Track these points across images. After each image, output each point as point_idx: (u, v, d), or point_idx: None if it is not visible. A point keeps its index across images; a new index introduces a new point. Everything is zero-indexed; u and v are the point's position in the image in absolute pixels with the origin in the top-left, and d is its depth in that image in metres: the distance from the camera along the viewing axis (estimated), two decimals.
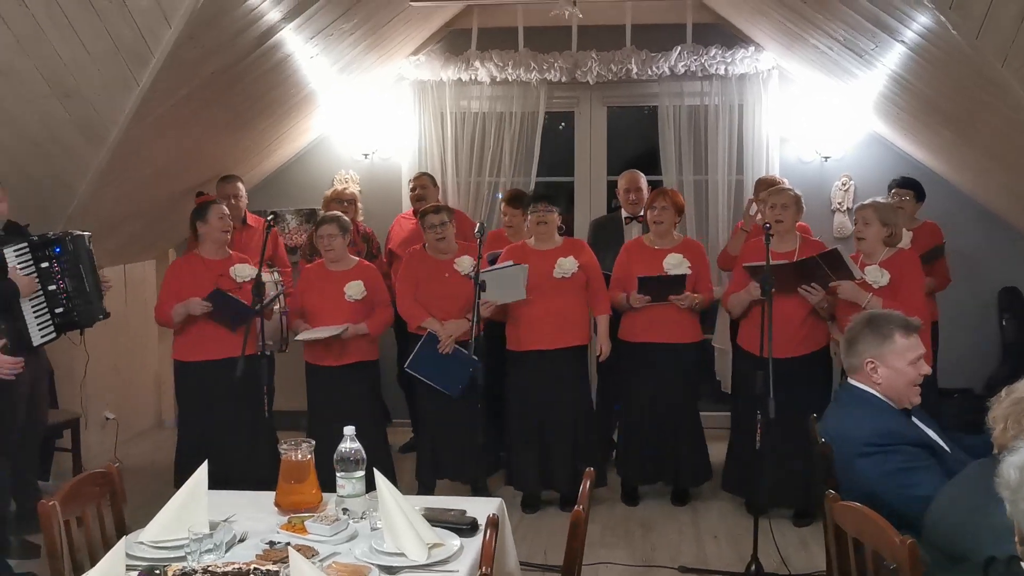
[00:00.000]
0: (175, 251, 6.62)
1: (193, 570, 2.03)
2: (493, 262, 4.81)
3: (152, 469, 5.58)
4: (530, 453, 4.83)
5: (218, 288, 4.53)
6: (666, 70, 6.12)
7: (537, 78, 6.22)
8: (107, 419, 5.92)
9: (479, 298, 4.36)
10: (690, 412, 4.95)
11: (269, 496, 2.77)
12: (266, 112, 5.61)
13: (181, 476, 4.76)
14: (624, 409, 5.08)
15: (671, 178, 6.27)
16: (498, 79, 6.27)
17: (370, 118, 6.50)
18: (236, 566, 2.05)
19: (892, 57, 4.59)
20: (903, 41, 4.26)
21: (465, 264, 4.76)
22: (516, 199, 5.45)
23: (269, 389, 4.66)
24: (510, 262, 4.67)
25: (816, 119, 6.24)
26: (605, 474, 5.06)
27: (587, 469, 2.64)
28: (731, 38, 6.20)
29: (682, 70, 6.13)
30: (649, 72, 6.13)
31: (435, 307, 4.78)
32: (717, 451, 5.05)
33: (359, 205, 5.97)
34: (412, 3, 5.48)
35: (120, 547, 2.02)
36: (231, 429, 4.64)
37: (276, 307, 4.82)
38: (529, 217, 4.85)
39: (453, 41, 6.43)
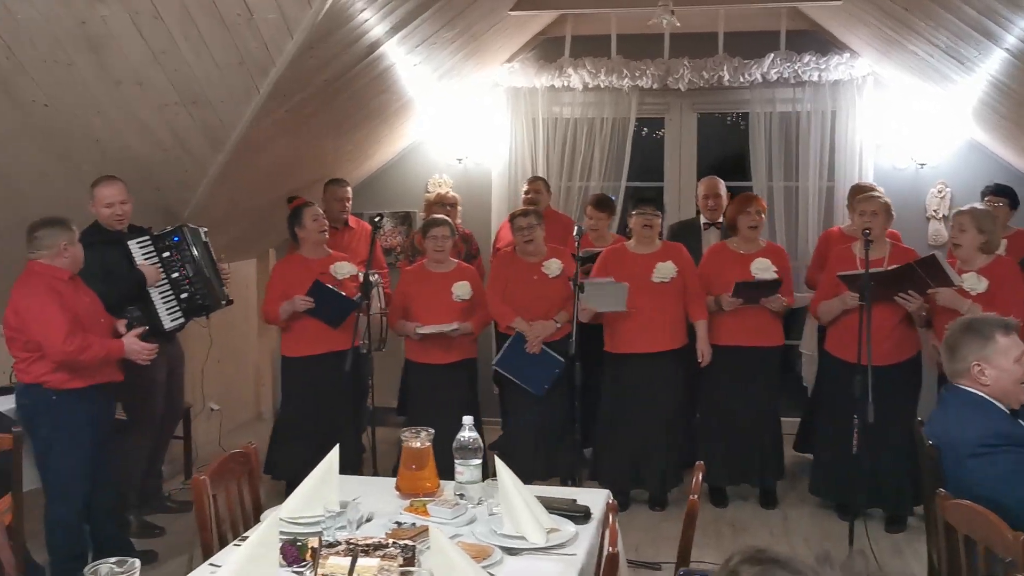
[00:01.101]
0: (275, 251, 6.90)
1: (337, 541, 2.19)
2: (588, 260, 4.91)
3: None
4: (622, 452, 4.92)
5: (318, 280, 4.75)
6: (758, 77, 6.16)
7: (629, 85, 6.32)
8: (212, 410, 6.22)
9: (578, 299, 4.46)
10: (772, 415, 5.01)
11: (388, 482, 2.95)
12: (368, 119, 5.84)
13: (272, 464, 5.02)
14: (707, 410, 5.14)
15: (760, 184, 6.31)
16: (590, 86, 6.40)
17: (464, 124, 6.69)
18: (375, 539, 2.21)
19: (994, 63, 4.57)
20: (1007, 48, 4.24)
21: (553, 267, 4.88)
22: (602, 203, 5.56)
23: (368, 385, 4.89)
24: (611, 278, 4.73)
25: (912, 125, 6.21)
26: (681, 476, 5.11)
27: (697, 463, 2.74)
28: (825, 44, 6.21)
29: (774, 77, 6.16)
30: (741, 79, 6.18)
31: (523, 308, 4.91)
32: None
33: (459, 208, 6.15)
34: (511, 12, 5.64)
35: (275, 518, 2.19)
36: (328, 421, 4.85)
37: (377, 306, 5.03)
38: (634, 219, 4.93)
39: (546, 49, 6.58)
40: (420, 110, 6.35)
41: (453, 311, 4.82)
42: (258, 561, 2.03)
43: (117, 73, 4.13)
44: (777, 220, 6.30)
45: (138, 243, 4.40)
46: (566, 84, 6.43)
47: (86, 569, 1.84)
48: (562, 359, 4.66)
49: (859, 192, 5.20)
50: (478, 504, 2.74)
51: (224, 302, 4.71)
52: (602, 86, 6.38)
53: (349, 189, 5.86)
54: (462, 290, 4.83)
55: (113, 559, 1.85)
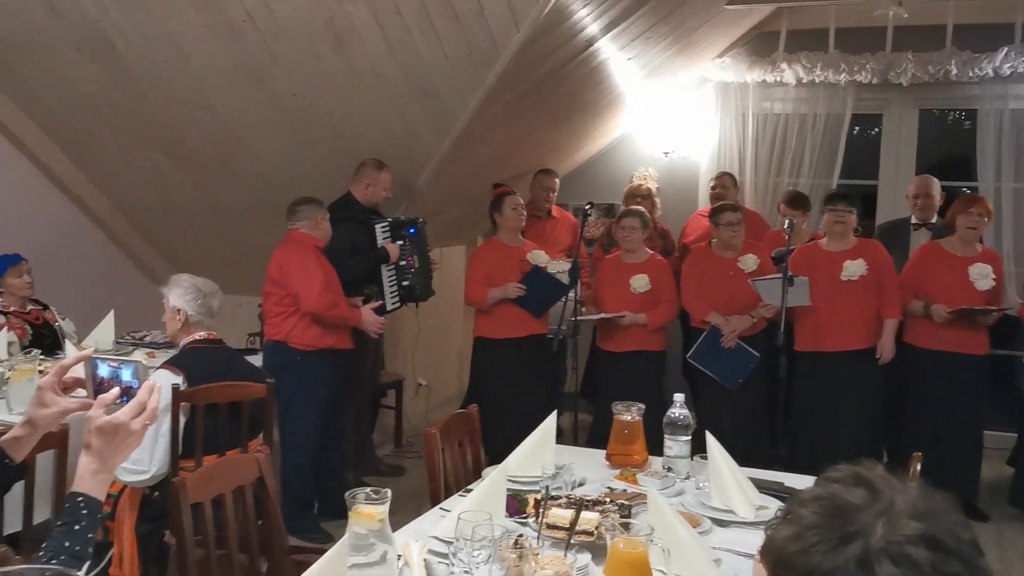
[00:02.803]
0: (483, 239, 7.22)
1: (558, 495, 2.35)
2: (779, 260, 4.87)
3: None
4: (814, 451, 4.84)
5: (536, 266, 4.97)
6: (989, 71, 5.84)
7: (846, 80, 6.16)
8: (420, 385, 6.60)
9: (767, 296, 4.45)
10: (971, 427, 4.79)
11: (598, 453, 3.09)
12: (579, 112, 6.01)
13: None
14: (905, 413, 4.96)
15: (987, 184, 5.98)
16: (804, 81, 6.28)
17: (671, 118, 6.74)
18: (594, 497, 2.35)
19: None
20: None
21: (750, 262, 4.86)
22: (796, 201, 5.47)
23: (566, 369, 5.06)
24: (779, 275, 4.67)
25: None
26: None
27: (915, 454, 2.71)
28: None
29: (1008, 71, 5.82)
30: (970, 74, 5.88)
31: (718, 303, 4.90)
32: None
33: (657, 201, 6.21)
34: (727, 7, 5.64)
35: (502, 470, 2.38)
36: (522, 403, 5.05)
37: (571, 294, 5.19)
38: (826, 216, 4.85)
39: (759, 43, 6.51)
40: (629, 104, 6.46)
41: (630, 301, 4.92)
42: (487, 506, 2.21)
43: (357, 65, 4.51)
44: (1004, 223, 5.95)
45: (381, 227, 4.81)
46: (778, 79, 6.34)
47: (347, 494, 2.09)
48: (757, 354, 4.65)
49: None
50: (686, 479, 2.82)
51: (432, 293, 5.04)
52: (817, 81, 6.25)
53: (557, 180, 6.06)
54: (638, 282, 4.93)
55: (367, 488, 2.08)
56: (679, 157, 6.79)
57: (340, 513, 4.40)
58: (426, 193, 5.48)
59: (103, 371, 1.59)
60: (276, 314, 4.43)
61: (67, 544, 1.38)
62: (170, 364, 3.28)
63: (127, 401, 1.51)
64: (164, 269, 6.49)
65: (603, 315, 4.98)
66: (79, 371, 1.60)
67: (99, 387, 1.58)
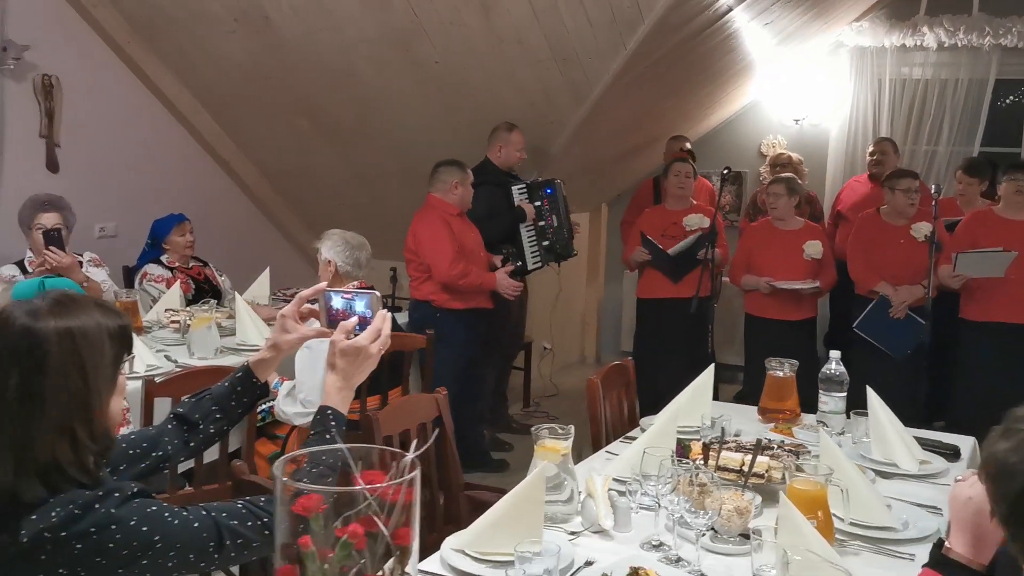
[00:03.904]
0: (608, 207, 7.30)
1: (723, 440, 2.44)
2: (950, 228, 4.77)
3: (575, 394, 6.23)
4: (979, 421, 4.74)
5: (642, 233, 5.06)
6: None
7: (990, 43, 5.97)
8: (545, 349, 6.75)
9: (933, 259, 4.36)
10: None
11: (749, 409, 3.15)
12: (711, 79, 6.00)
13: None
14: None
15: None
16: (946, 45, 6.11)
17: (802, 84, 6.65)
18: (753, 441, 2.43)
19: None
20: None
21: (922, 230, 4.75)
22: (974, 168, 5.30)
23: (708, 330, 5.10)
24: (1000, 248, 4.54)
25: None
26: None
27: None
28: None
29: None
30: None
31: (887, 272, 4.81)
32: None
33: (804, 169, 6.15)
34: None
35: (672, 414, 2.48)
36: (672, 362, 5.12)
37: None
38: (1005, 185, 4.70)
39: (899, 6, 6.35)
40: (759, 71, 6.41)
41: (802, 268, 4.89)
42: (655, 449, 2.32)
43: (501, 32, 4.63)
44: None
45: (519, 189, 4.95)
46: (919, 43, 6.18)
47: (532, 429, 2.23)
48: (923, 322, 4.57)
49: None
50: (840, 434, 2.86)
51: (574, 252, 5.14)
52: (959, 45, 6.07)
53: (688, 145, 6.08)
54: (813, 249, 4.87)
55: (551, 424, 2.21)
56: (809, 124, 6.70)
57: (475, 466, 4.62)
58: (559, 160, 5.58)
59: (336, 303, 1.75)
60: (415, 278, 4.67)
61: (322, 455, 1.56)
62: None
63: (361, 330, 1.68)
64: (303, 234, 6.80)
65: (791, 284, 4.91)
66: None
67: (332, 317, 1.75)
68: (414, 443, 1.13)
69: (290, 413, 3.48)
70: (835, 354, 2.93)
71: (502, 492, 2.20)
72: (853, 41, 6.40)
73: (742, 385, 5.69)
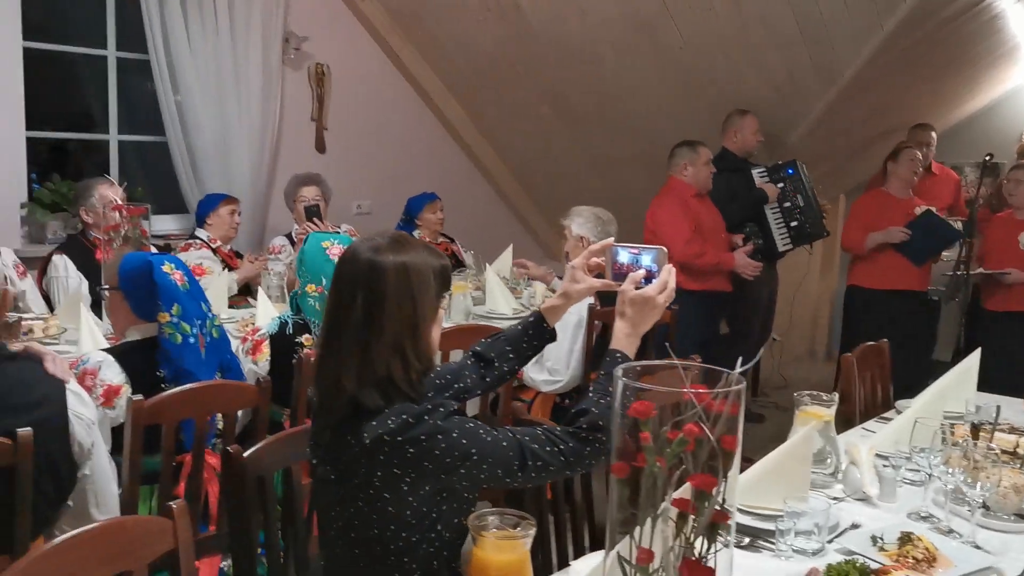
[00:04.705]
0: (846, 196, 7.05)
1: (995, 423, 2.37)
2: None
3: (805, 387, 6.10)
4: None
5: (928, 209, 4.82)
6: None
7: None
8: (774, 340, 6.63)
9: None
10: None
11: (1015, 401, 3.01)
12: (969, 63, 5.67)
13: None
14: None
15: None
16: None
17: None
18: None
19: None
20: None
21: None
22: None
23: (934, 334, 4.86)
24: None
25: None
26: None
27: None
28: None
29: None
30: None
31: None
32: None
33: None
34: None
35: (937, 392, 2.43)
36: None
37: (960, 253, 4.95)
38: None
39: None
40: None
41: (1015, 258, 4.60)
42: (927, 420, 2.28)
43: (747, 15, 4.61)
44: None
45: (758, 172, 4.93)
46: None
47: (796, 395, 2.26)
48: None
49: None
50: None
51: (825, 233, 5.04)
52: None
53: (934, 135, 5.77)
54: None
55: (816, 391, 2.24)
56: None
57: None
58: (795, 149, 5.46)
59: (623, 257, 1.87)
60: None
61: (610, 389, 1.69)
62: None
63: (646, 283, 1.79)
64: (535, 217, 7.07)
65: (984, 270, 4.71)
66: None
67: (617, 271, 1.87)
68: (740, 359, 1.22)
69: (538, 380, 3.68)
70: None
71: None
72: None
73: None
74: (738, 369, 1.15)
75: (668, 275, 1.78)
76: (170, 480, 2.17)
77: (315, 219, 4.64)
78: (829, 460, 2.20)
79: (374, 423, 1.57)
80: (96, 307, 3.48)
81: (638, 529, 1.13)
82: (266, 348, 2.69)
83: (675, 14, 4.80)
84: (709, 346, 4.75)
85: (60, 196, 4.64)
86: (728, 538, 1.16)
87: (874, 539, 1.87)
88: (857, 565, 1.67)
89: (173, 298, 2.30)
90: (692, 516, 1.12)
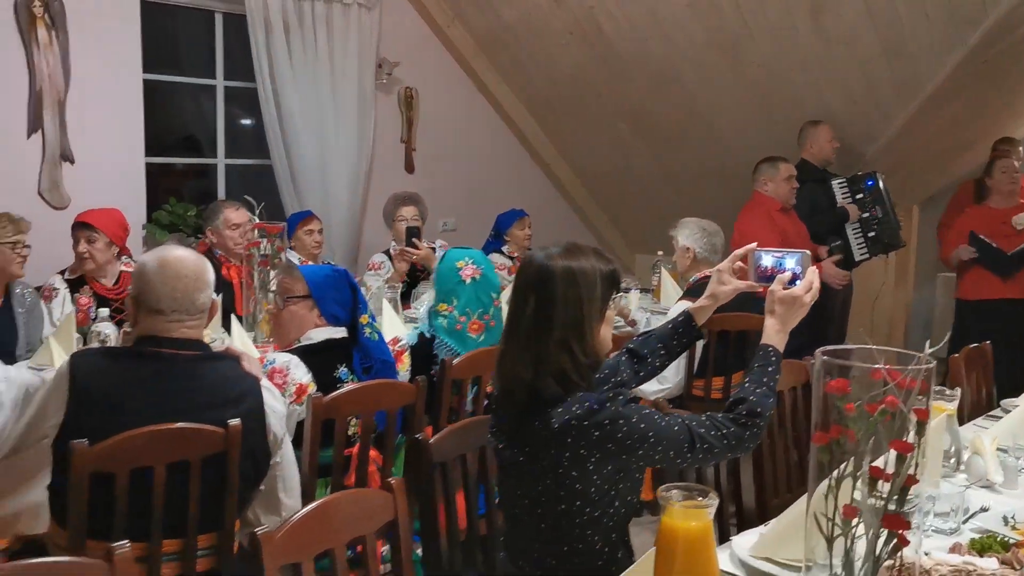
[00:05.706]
0: (919, 208, 7.11)
1: None
2: None
3: None
4: None
5: (973, 231, 4.94)
6: None
7: None
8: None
9: None
10: None
11: None
12: None
13: None
14: None
15: None
16: None
17: None
18: None
19: None
20: None
21: None
22: None
23: None
24: None
25: None
26: None
27: None
28: None
29: None
30: None
31: None
32: None
33: None
34: None
35: None
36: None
37: None
38: None
39: None
40: None
41: None
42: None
43: (830, 33, 4.76)
44: None
45: (838, 183, 5.07)
46: None
47: None
48: None
49: None
50: None
51: (901, 244, 5.16)
52: None
53: (1022, 149, 5.84)
54: None
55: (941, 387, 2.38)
56: None
57: None
58: (872, 162, 5.57)
59: (766, 261, 2.05)
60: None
61: (764, 379, 1.87)
62: (688, 295, 3.81)
63: (791, 284, 1.96)
64: (611, 233, 7.25)
65: None
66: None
67: (761, 273, 2.04)
68: (927, 341, 1.39)
69: (647, 392, 3.84)
70: None
71: None
72: None
73: None
74: (927, 351, 1.32)
75: (813, 276, 1.95)
76: (341, 470, 2.39)
77: (415, 239, 4.82)
78: (952, 450, 2.34)
79: (560, 409, 1.76)
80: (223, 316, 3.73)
81: (837, 489, 1.31)
82: (406, 358, 2.90)
83: (756, 34, 4.96)
84: (793, 354, 4.88)
85: (176, 217, 4.93)
86: (916, 499, 1.33)
87: (1005, 519, 2.02)
88: (998, 539, 1.82)
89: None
90: (885, 481, 1.29)
